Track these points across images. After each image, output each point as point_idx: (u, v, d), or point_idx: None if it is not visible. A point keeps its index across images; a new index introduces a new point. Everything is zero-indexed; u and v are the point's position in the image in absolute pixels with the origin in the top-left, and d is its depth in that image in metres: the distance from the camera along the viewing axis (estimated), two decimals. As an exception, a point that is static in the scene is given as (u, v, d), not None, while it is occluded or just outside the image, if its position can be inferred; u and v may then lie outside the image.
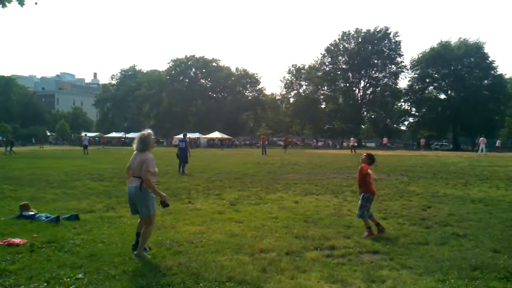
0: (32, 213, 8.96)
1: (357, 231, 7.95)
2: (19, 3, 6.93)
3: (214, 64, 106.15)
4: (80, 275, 5.41)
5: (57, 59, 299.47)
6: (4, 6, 6.92)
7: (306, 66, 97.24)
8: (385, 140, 70.17)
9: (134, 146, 6.52)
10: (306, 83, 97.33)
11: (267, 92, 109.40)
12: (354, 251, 6.63)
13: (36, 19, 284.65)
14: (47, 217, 8.69)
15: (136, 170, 6.34)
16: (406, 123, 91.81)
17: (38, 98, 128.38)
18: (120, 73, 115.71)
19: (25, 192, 13.09)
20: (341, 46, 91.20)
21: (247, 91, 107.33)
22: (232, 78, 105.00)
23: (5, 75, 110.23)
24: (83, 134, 72.30)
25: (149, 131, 6.67)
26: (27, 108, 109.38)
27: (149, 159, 6.31)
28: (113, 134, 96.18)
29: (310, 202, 11.62)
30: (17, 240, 6.93)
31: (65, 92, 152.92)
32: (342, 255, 6.42)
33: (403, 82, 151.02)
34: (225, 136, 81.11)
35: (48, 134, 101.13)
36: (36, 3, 6.94)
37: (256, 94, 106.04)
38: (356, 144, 57.97)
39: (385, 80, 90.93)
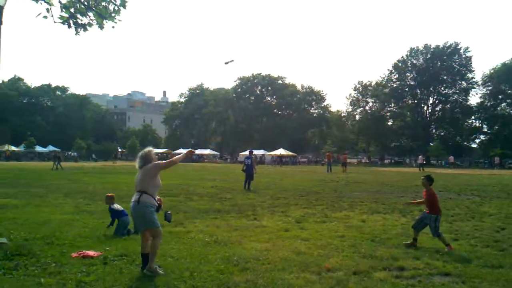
0: (120, 209, 9.34)
1: (427, 251, 7.73)
2: (99, 27, 7.29)
3: (279, 81, 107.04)
4: (151, 288, 5.55)
5: (128, 78, 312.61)
6: (85, 30, 7.30)
7: (373, 83, 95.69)
8: (451, 158, 67.77)
9: (137, 164, 6.62)
10: (373, 100, 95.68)
11: (333, 109, 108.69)
12: (424, 272, 6.44)
13: (110, 41, 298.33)
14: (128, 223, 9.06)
15: (138, 185, 6.49)
16: (477, 140, 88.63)
17: (110, 115, 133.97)
18: (188, 91, 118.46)
19: (98, 206, 13.43)
20: (409, 62, 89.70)
21: (312, 108, 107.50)
22: (298, 96, 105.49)
23: (80, 94, 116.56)
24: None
25: (150, 148, 6.79)
26: (100, 125, 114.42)
27: (150, 166, 6.47)
28: (181, 150, 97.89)
29: (377, 221, 11.40)
30: (91, 253, 7.22)
31: (136, 110, 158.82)
32: (411, 276, 6.25)
33: (474, 98, 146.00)
34: (289, 153, 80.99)
35: (120, 150, 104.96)
36: (113, 27, 7.26)
37: (321, 111, 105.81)
38: (424, 162, 56.38)
39: (455, 96, 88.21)
